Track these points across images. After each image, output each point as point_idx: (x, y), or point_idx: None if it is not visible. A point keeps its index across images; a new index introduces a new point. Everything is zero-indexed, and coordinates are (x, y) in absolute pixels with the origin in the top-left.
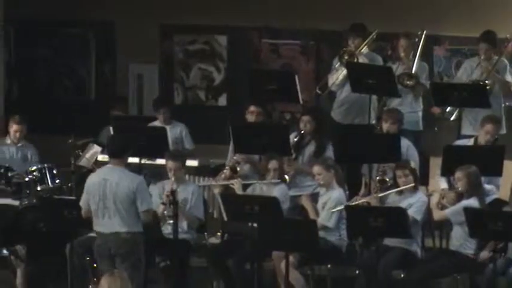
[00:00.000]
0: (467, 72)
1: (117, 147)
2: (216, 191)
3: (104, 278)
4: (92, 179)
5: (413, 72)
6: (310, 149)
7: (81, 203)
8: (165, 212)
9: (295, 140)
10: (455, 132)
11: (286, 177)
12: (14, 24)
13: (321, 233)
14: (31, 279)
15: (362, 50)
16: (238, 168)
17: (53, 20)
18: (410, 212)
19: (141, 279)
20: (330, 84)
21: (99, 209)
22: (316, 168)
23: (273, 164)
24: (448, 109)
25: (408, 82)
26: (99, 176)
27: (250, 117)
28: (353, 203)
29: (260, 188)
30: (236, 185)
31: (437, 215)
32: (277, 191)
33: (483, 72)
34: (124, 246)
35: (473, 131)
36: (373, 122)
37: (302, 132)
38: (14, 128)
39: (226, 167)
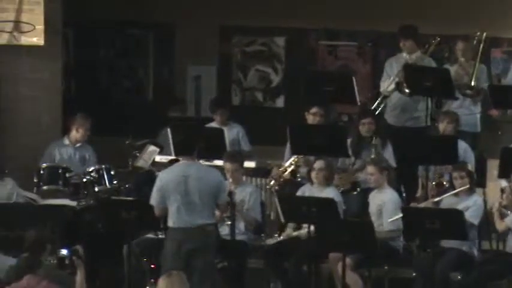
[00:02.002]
0: None
1: (188, 144)
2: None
3: (162, 278)
4: (167, 177)
5: (473, 83)
6: (370, 151)
7: (154, 202)
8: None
9: (352, 143)
10: None
11: (358, 189)
12: (74, 26)
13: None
14: (89, 280)
15: (414, 55)
16: (298, 174)
17: (113, 21)
18: (467, 216)
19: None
20: (381, 90)
21: (181, 205)
22: (370, 169)
23: (318, 164)
24: (509, 111)
25: (468, 92)
26: (177, 173)
27: (312, 119)
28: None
29: (309, 190)
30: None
31: (500, 226)
32: (327, 193)
33: None
34: (209, 238)
35: None
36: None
37: (360, 134)
38: (86, 126)
39: (282, 168)
